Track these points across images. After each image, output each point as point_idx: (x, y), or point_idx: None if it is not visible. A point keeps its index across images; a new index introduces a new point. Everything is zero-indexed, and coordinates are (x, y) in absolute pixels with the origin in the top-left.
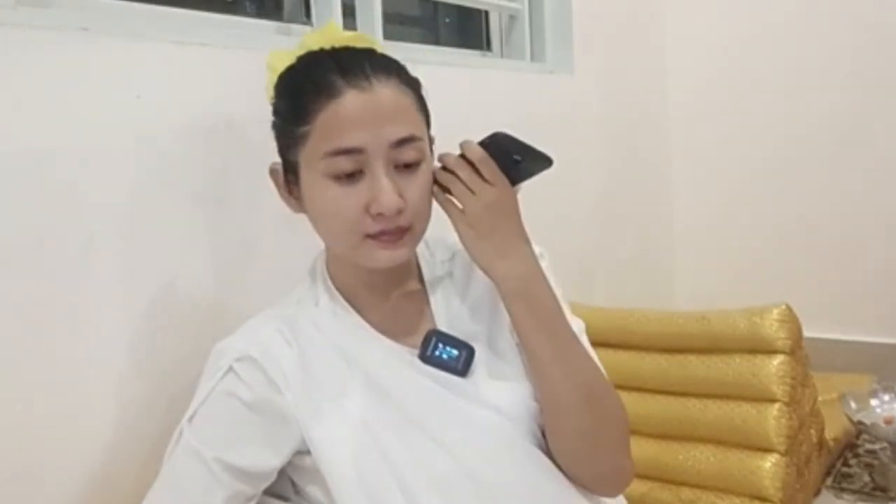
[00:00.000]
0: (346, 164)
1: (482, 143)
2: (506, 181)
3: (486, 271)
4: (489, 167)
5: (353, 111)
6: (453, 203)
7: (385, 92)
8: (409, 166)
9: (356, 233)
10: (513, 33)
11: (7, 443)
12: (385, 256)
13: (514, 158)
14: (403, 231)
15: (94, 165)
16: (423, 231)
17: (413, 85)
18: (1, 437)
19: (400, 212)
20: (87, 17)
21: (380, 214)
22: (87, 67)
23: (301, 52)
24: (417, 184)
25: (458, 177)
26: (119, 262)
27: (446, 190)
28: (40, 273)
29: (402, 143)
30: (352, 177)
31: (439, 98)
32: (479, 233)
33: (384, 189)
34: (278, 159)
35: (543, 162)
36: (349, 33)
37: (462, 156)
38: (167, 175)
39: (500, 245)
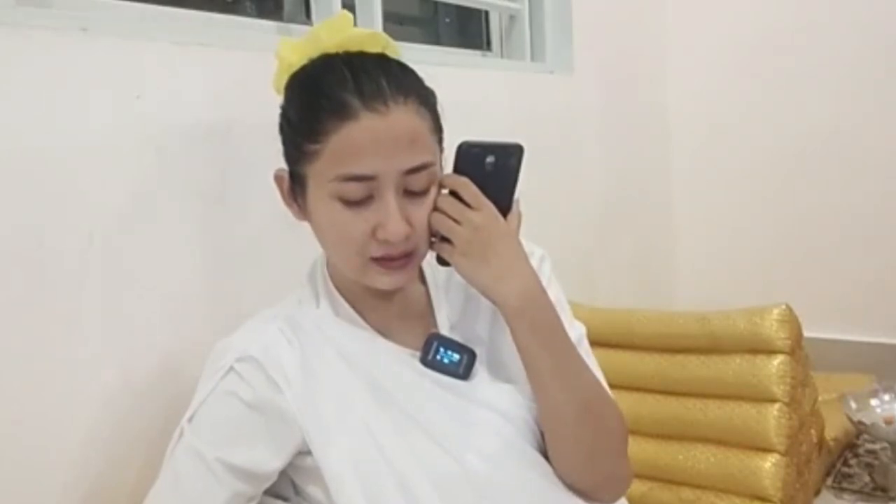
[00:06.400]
0: (356, 189)
1: (454, 167)
2: (487, 202)
3: (485, 295)
4: (468, 190)
5: (368, 138)
6: (446, 246)
7: (401, 117)
8: (419, 191)
9: (361, 255)
10: (513, 33)
11: (6, 443)
12: (388, 281)
13: (488, 162)
14: (409, 256)
15: (94, 165)
16: (427, 252)
17: (429, 103)
18: (1, 437)
19: (407, 238)
20: (87, 17)
21: (386, 240)
22: (87, 67)
23: (313, 48)
24: (425, 207)
25: (442, 211)
26: (119, 262)
27: (436, 233)
28: (40, 273)
29: (415, 170)
30: (360, 201)
31: (440, 98)
32: (472, 259)
33: (392, 216)
34: (281, 162)
35: (516, 150)
36: (363, 31)
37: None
38: (167, 175)
39: (495, 268)
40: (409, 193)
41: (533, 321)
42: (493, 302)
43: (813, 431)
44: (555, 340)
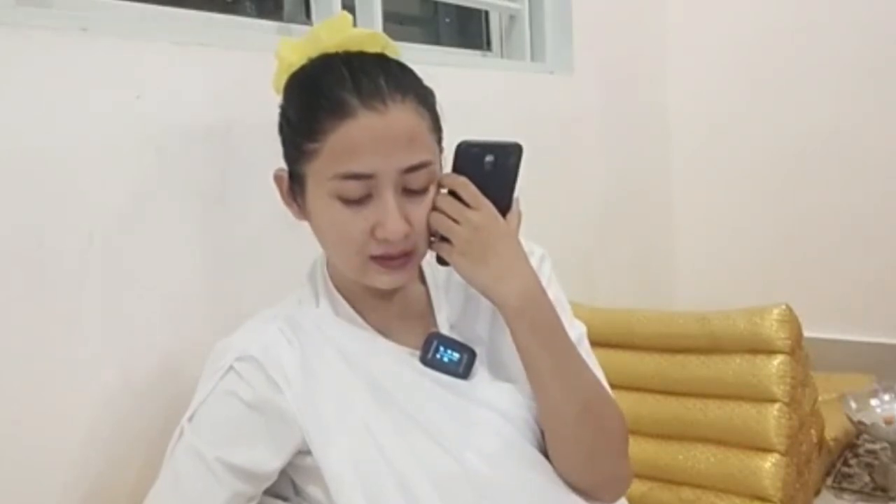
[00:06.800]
0: (354, 188)
1: (454, 167)
2: (487, 202)
3: (485, 295)
4: (467, 190)
5: (366, 136)
6: (445, 246)
7: (400, 116)
8: (418, 189)
9: (360, 254)
10: (513, 33)
11: (6, 443)
12: (387, 280)
13: (487, 162)
14: (408, 255)
15: (94, 165)
16: (426, 251)
17: (427, 102)
18: (0, 437)
19: (406, 237)
20: (87, 17)
21: (385, 239)
22: (87, 67)
23: (312, 48)
24: (425, 206)
25: (441, 211)
26: (119, 262)
27: (436, 233)
28: (40, 273)
29: (413, 169)
30: (359, 200)
31: (439, 98)
32: (471, 259)
33: (391, 215)
34: (281, 162)
35: (514, 149)
36: (362, 32)
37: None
38: (167, 175)
39: (495, 268)
40: (409, 192)
41: (533, 321)
42: (493, 302)
43: (813, 431)
44: (555, 340)
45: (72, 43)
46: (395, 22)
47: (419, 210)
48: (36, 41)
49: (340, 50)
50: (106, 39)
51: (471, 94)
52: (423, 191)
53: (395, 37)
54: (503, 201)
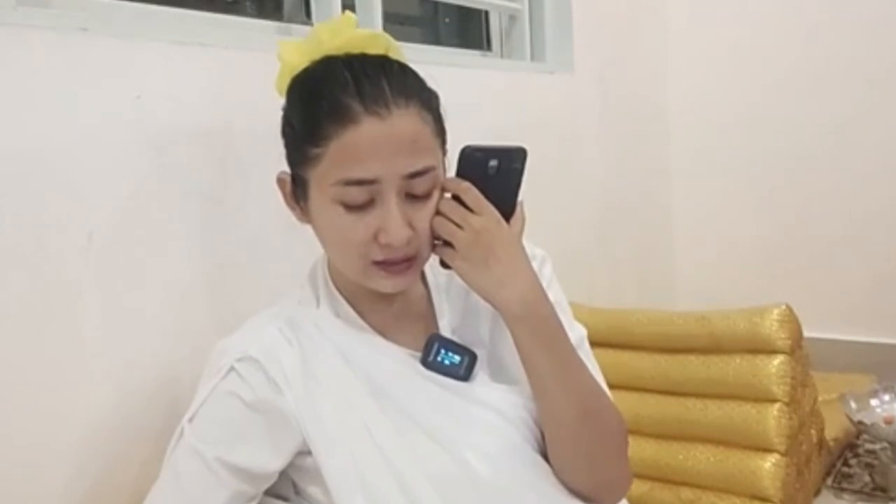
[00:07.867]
0: (357, 194)
1: (457, 171)
2: (490, 206)
3: (486, 300)
4: (470, 195)
5: (370, 142)
6: (448, 250)
7: (403, 121)
8: (421, 195)
9: (363, 258)
10: (513, 33)
11: (6, 443)
12: (390, 285)
13: (490, 166)
14: (411, 260)
15: (94, 165)
16: (430, 255)
17: (431, 106)
18: (1, 437)
19: (409, 242)
20: (87, 17)
21: (388, 244)
22: (87, 67)
23: (314, 49)
24: (428, 211)
25: (444, 215)
26: (119, 262)
27: (439, 237)
28: (40, 273)
29: (416, 175)
30: (362, 205)
31: (440, 98)
32: (473, 264)
33: (394, 221)
34: (281, 162)
35: (519, 154)
36: (365, 33)
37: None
38: (166, 175)
39: (497, 273)
40: (412, 197)
41: (534, 326)
42: (494, 307)
43: (813, 431)
44: (556, 345)
45: (72, 43)
46: (396, 22)
47: (422, 215)
48: (36, 41)
49: (342, 52)
50: (106, 39)
51: (471, 94)
52: (426, 196)
53: (395, 37)
54: (507, 206)
